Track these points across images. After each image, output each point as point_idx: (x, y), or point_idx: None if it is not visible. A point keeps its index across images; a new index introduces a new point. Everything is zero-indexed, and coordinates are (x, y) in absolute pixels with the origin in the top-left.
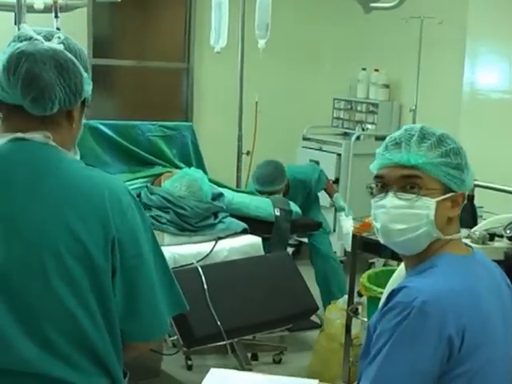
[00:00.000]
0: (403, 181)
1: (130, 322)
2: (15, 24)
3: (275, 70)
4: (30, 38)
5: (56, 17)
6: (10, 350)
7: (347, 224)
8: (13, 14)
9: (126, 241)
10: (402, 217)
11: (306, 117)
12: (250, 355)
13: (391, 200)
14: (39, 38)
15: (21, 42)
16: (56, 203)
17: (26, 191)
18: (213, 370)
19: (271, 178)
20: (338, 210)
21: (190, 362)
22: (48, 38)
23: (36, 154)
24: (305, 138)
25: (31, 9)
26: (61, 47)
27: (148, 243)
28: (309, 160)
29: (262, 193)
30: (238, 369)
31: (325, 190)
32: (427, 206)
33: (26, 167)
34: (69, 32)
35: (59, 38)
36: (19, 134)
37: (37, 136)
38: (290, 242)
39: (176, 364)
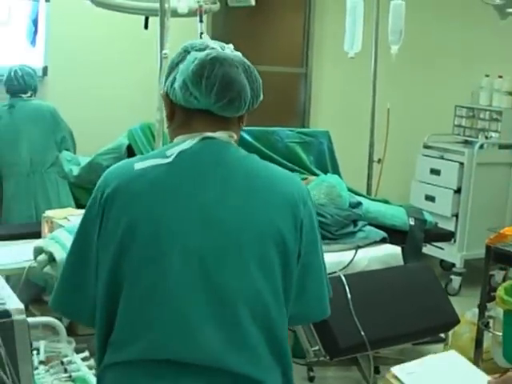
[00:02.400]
0: None
1: (297, 304)
2: (145, 28)
3: (397, 76)
4: (206, 48)
5: (201, 21)
6: (196, 340)
7: None
8: (142, 18)
9: (308, 226)
10: None
11: (426, 124)
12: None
13: None
14: (216, 46)
15: (196, 51)
16: (251, 195)
17: (219, 184)
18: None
19: None
20: None
21: (311, 374)
22: (222, 47)
23: (223, 151)
24: (426, 146)
25: (174, 13)
26: (239, 54)
27: (318, 229)
28: (429, 169)
29: None
30: (361, 382)
31: None
32: None
33: (218, 163)
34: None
35: (229, 47)
36: (208, 134)
37: (223, 135)
38: None
39: (298, 375)
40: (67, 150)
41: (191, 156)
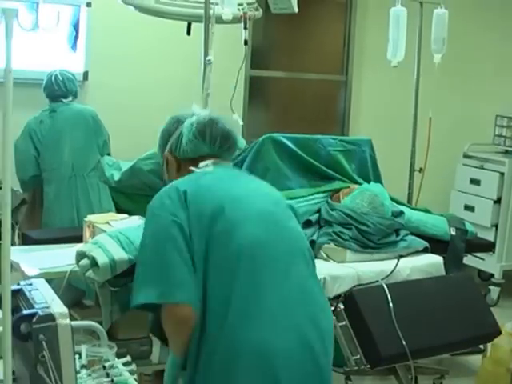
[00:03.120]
0: None
1: None
2: (188, 34)
3: (437, 85)
4: (193, 114)
5: (245, 28)
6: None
7: None
8: (184, 23)
9: None
10: None
11: (466, 133)
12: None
13: None
14: (200, 111)
15: (191, 116)
16: (267, 197)
17: (246, 188)
18: None
19: None
20: None
21: (349, 383)
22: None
23: (236, 171)
24: (466, 156)
25: (217, 19)
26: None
27: None
28: (469, 179)
29: None
30: None
31: None
32: None
33: (238, 174)
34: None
35: (207, 110)
36: (218, 160)
37: (228, 163)
38: None
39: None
40: (108, 154)
41: (220, 169)
